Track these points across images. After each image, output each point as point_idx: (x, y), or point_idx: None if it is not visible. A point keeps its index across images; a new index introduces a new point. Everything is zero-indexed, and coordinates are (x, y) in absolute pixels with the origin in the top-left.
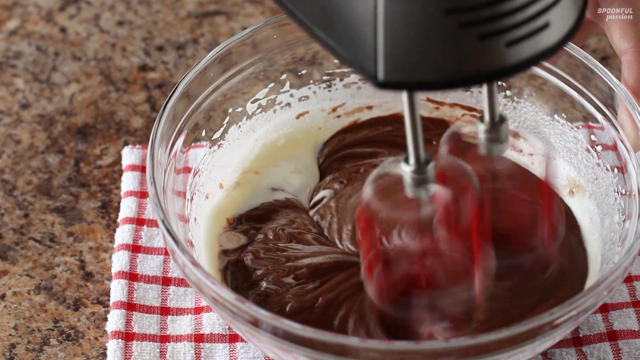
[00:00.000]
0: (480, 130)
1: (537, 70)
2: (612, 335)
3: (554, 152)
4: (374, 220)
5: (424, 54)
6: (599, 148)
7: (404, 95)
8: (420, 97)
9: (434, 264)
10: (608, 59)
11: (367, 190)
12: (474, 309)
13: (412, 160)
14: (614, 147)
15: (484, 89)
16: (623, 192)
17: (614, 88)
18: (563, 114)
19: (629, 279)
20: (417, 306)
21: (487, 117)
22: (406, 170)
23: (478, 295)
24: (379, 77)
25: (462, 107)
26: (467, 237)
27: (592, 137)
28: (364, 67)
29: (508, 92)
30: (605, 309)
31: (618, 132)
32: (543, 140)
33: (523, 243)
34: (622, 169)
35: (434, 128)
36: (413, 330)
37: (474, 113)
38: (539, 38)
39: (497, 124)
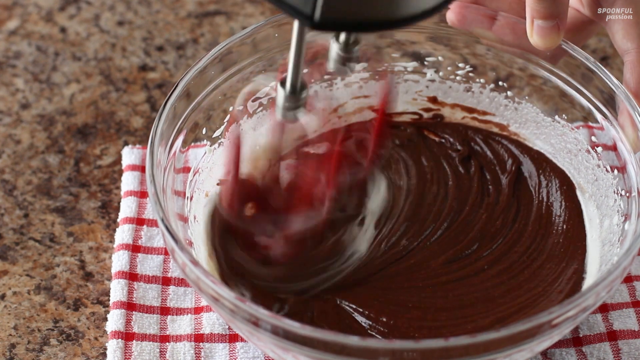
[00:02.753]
0: (332, 49)
1: (537, 70)
2: (612, 335)
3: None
4: (239, 134)
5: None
6: (599, 149)
7: (294, 26)
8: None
9: (287, 184)
10: (608, 59)
11: (237, 108)
12: (317, 233)
13: (288, 84)
14: (614, 148)
15: None
16: (622, 193)
17: (614, 88)
18: (563, 115)
19: (629, 279)
20: (264, 219)
21: (342, 37)
22: (281, 93)
23: (322, 221)
24: (315, 17)
25: (463, 108)
26: (324, 165)
27: (593, 138)
28: (298, 9)
29: (509, 93)
30: (605, 309)
31: (618, 132)
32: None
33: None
34: (621, 170)
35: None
36: (257, 244)
37: (475, 115)
38: None
39: (350, 44)
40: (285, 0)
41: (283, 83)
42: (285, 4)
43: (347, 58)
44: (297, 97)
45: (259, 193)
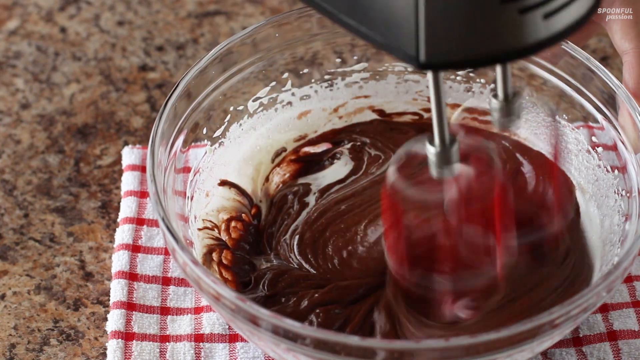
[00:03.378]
0: (494, 106)
1: (537, 70)
2: (612, 335)
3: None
4: (398, 199)
5: (465, 32)
6: (599, 149)
7: (429, 77)
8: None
9: (457, 242)
10: (608, 59)
11: (391, 170)
12: (496, 286)
13: (437, 141)
14: (614, 147)
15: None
16: (623, 193)
17: (614, 88)
18: (564, 115)
19: (629, 279)
20: (439, 283)
21: (500, 93)
22: (431, 151)
23: (500, 273)
24: (421, 58)
25: (463, 108)
26: (490, 215)
27: (593, 138)
28: (403, 51)
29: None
30: (605, 309)
31: (618, 132)
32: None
33: (535, 221)
34: (622, 169)
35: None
36: (436, 307)
37: (475, 116)
38: (571, 9)
39: (510, 99)
40: (391, 44)
41: (431, 140)
42: (391, 47)
43: (510, 112)
44: (447, 151)
45: (429, 253)
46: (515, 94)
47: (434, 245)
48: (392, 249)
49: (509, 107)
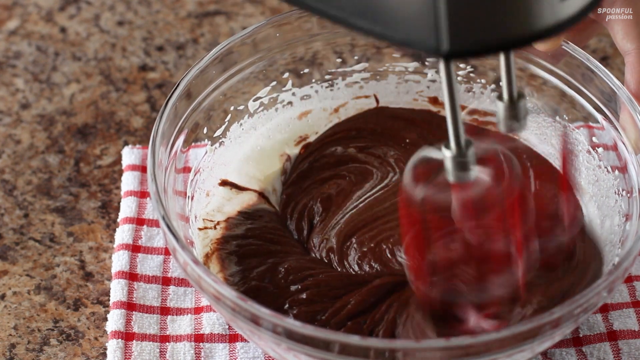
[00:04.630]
0: (499, 108)
1: (537, 70)
2: (612, 335)
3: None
4: (416, 207)
5: (485, 19)
6: (600, 150)
7: (442, 81)
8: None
9: (476, 250)
10: (608, 59)
11: (408, 177)
12: (518, 296)
13: (452, 144)
14: (615, 148)
15: (502, 66)
16: (623, 193)
17: (614, 89)
18: (564, 115)
19: (629, 279)
20: (462, 295)
21: (505, 94)
22: (447, 155)
23: (521, 282)
24: (444, 48)
25: (464, 108)
26: (511, 222)
27: (594, 138)
28: (423, 43)
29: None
30: (605, 309)
31: (618, 132)
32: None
33: (549, 229)
34: (622, 170)
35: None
36: (458, 318)
37: (476, 117)
38: None
39: (515, 101)
40: (410, 38)
41: (447, 145)
42: (410, 41)
43: (515, 115)
44: (464, 155)
45: (451, 264)
46: (520, 96)
47: (456, 256)
48: (412, 262)
49: (514, 109)
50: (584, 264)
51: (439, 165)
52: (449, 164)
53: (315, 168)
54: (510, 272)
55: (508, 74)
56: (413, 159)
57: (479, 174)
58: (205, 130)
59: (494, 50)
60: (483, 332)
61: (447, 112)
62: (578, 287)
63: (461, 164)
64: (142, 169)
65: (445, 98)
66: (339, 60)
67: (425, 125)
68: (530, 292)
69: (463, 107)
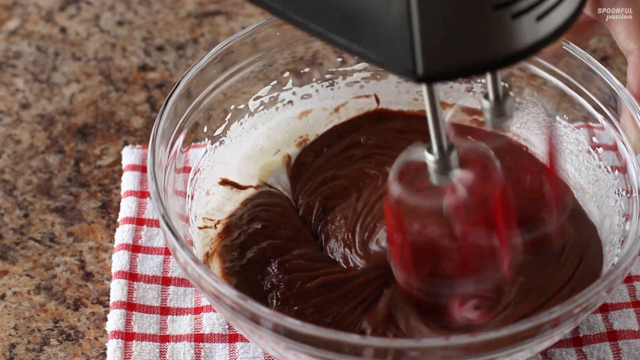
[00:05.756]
0: (485, 107)
1: (537, 70)
2: (612, 335)
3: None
4: (400, 207)
5: (461, 42)
6: (600, 150)
7: (423, 89)
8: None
9: (462, 246)
10: (608, 59)
11: (392, 178)
12: (503, 288)
13: (435, 149)
14: (614, 148)
15: None
16: (623, 193)
17: (614, 89)
18: (565, 115)
19: (629, 279)
20: (447, 288)
21: (491, 93)
22: (430, 159)
23: (507, 275)
24: (418, 71)
25: (464, 108)
26: (493, 217)
27: (594, 138)
28: (399, 65)
29: (510, 93)
30: (605, 309)
31: (618, 132)
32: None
33: (535, 218)
34: (622, 170)
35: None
36: (445, 312)
37: (476, 117)
38: (561, 7)
39: (501, 99)
40: (386, 60)
41: (430, 149)
42: (387, 62)
43: (501, 112)
44: (447, 159)
45: (435, 260)
46: (506, 94)
47: (440, 251)
48: (397, 258)
49: (500, 107)
50: (578, 246)
51: (423, 166)
52: (431, 167)
53: (317, 167)
54: (494, 264)
55: (493, 74)
56: (397, 160)
57: (462, 174)
58: (205, 130)
59: (470, 73)
60: (469, 322)
61: (428, 118)
62: (569, 272)
63: (444, 167)
64: (142, 168)
65: (426, 104)
66: (339, 59)
67: (425, 125)
68: (515, 278)
69: (465, 108)
